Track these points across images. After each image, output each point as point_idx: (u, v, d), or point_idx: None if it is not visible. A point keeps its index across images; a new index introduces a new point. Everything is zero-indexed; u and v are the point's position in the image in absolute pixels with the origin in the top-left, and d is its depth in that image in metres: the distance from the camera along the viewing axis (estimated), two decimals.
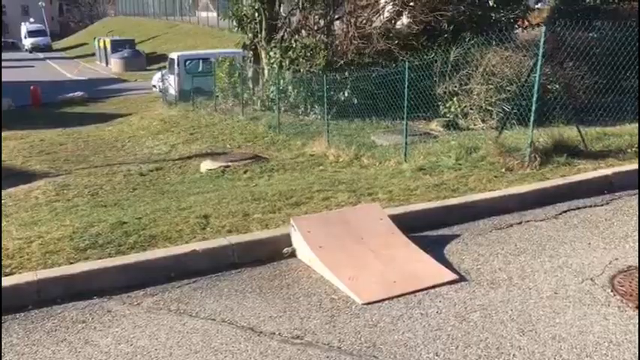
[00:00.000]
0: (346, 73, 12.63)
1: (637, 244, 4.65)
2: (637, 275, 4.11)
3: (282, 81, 13.90)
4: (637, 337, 3.37)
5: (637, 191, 5.84)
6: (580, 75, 9.85)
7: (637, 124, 7.70)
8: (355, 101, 12.36)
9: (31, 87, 26.58)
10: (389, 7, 14.39)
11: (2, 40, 69.26)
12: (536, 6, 20.84)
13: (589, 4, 15.91)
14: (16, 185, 10.06)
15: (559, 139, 7.13)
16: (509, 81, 10.28)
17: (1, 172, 9.62)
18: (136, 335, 3.59)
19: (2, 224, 7.00)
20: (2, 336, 3.62)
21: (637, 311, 3.64)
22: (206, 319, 3.76)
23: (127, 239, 4.78)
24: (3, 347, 3.50)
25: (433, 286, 4.07)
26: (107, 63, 43.21)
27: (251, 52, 16.71)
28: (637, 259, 4.38)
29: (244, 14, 16.44)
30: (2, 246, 4.73)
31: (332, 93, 12.06)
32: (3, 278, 4.10)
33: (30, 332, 3.66)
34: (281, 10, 16.15)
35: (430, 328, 3.56)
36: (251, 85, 16.29)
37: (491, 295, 3.94)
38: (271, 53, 15.13)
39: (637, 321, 3.54)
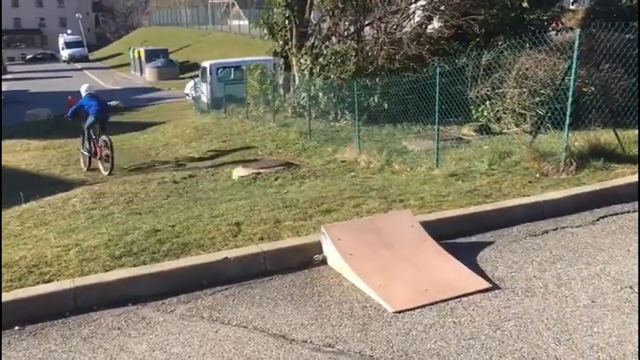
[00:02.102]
0: (377, 79, 12.60)
1: None
2: None
3: (312, 87, 13.95)
4: None
5: None
6: (616, 77, 9.62)
7: None
8: (386, 107, 12.31)
9: (69, 97, 27.27)
10: (419, 12, 14.35)
11: (41, 52, 71.50)
12: (571, 7, 20.46)
13: (625, 4, 15.54)
14: (54, 193, 10.31)
15: (595, 142, 6.98)
16: (543, 84, 10.12)
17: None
18: (170, 342, 3.64)
19: (40, 232, 7.19)
20: (41, 342, 3.71)
21: None
22: (238, 327, 3.78)
23: (161, 247, 4.85)
24: (42, 352, 3.58)
25: (466, 294, 4.01)
26: (142, 72, 44.10)
27: (282, 60, 16.83)
28: None
29: (275, 22, 16.58)
30: (41, 253, 4.86)
31: (362, 99, 12.04)
32: (42, 285, 4.21)
33: (67, 339, 3.74)
34: (311, 17, 16.23)
35: (463, 337, 3.51)
36: (282, 92, 16.39)
37: (526, 304, 3.87)
38: (302, 60, 15.22)
39: None
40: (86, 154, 13.00)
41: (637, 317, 3.61)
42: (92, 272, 4.41)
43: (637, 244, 4.71)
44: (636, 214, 5.42)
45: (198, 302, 4.15)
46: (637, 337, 3.40)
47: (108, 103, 16.68)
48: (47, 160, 15.15)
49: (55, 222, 8.02)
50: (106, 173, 12.19)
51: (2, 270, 4.46)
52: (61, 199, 9.76)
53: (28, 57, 70.37)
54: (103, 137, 12.41)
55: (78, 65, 58.14)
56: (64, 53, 65.26)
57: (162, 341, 3.66)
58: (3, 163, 15.87)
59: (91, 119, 12.67)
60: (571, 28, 13.49)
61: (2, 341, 3.72)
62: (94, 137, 12.65)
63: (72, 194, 10.23)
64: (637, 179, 6.02)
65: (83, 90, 13.26)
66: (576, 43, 6.62)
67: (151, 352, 3.54)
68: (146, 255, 4.70)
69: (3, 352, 3.61)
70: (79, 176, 12.51)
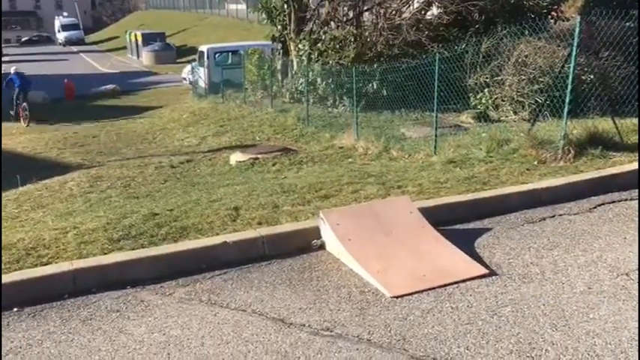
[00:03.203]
0: (375, 65, 12.55)
1: None
2: None
3: (310, 73, 13.90)
4: None
5: None
6: (616, 65, 9.60)
7: None
8: (384, 93, 12.28)
9: (65, 80, 27.13)
10: None
11: (36, 34, 70.92)
12: None
13: None
14: (51, 177, 10.31)
15: (593, 131, 6.99)
16: (542, 72, 10.10)
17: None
18: (169, 325, 3.66)
19: (38, 215, 7.19)
20: (40, 323, 3.72)
21: None
22: (237, 310, 3.80)
23: (159, 230, 4.86)
24: (41, 334, 3.60)
25: (463, 280, 4.04)
26: (138, 56, 43.81)
27: (280, 45, 16.75)
28: None
29: (273, 6, 16.49)
30: (39, 235, 4.86)
31: (361, 85, 12.00)
32: (40, 267, 4.21)
33: (66, 321, 3.75)
34: (310, 2, 16.13)
35: (461, 322, 3.53)
36: (280, 78, 16.33)
37: (523, 290, 3.90)
38: (300, 45, 15.14)
39: None
40: (12, 113, 20.10)
41: (633, 304, 3.64)
42: (90, 255, 4.41)
43: (633, 232, 4.74)
44: (633, 202, 5.44)
45: (197, 286, 4.17)
46: (632, 323, 3.43)
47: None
48: (44, 143, 15.12)
49: (52, 205, 8.02)
50: (25, 125, 19.30)
51: (1, 252, 4.46)
52: (58, 183, 9.76)
53: (23, 39, 69.78)
54: (24, 104, 19.78)
55: (74, 48, 57.71)
56: (60, 36, 64.72)
57: (161, 324, 3.67)
58: None
59: (17, 90, 20.08)
60: (567, 19, 13.44)
61: (2, 322, 3.72)
62: (18, 102, 19.98)
63: (69, 177, 10.23)
64: (635, 167, 6.04)
65: (12, 70, 20.86)
66: (576, 30, 6.60)
67: (150, 334, 3.56)
68: (144, 238, 4.70)
69: (4, 333, 3.62)
70: (76, 160, 12.49)
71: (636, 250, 4.41)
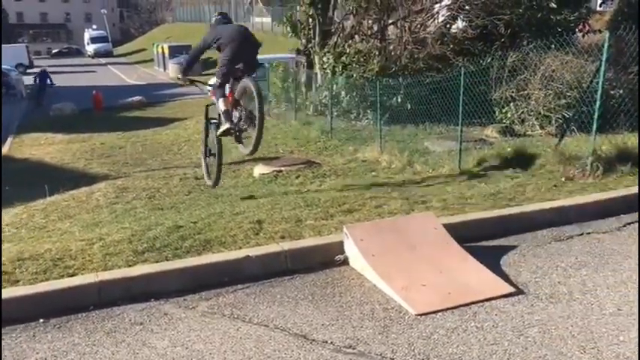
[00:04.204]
0: (400, 79, 12.54)
1: None
2: None
3: (335, 86, 13.94)
4: None
5: None
6: None
7: None
8: (409, 107, 12.25)
9: (93, 92, 27.63)
10: (444, 12, 14.24)
11: (66, 46, 72.49)
12: (599, 8, 20.13)
13: None
14: (78, 187, 10.45)
15: (623, 147, 6.86)
16: (570, 86, 9.97)
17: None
18: (192, 339, 3.66)
19: (65, 225, 7.29)
20: (65, 335, 3.75)
21: None
22: (259, 325, 3.79)
23: (183, 243, 4.88)
24: (66, 346, 3.63)
25: (489, 299, 3.97)
26: (165, 68, 44.42)
27: (304, 58, 16.84)
28: None
29: (298, 20, 16.60)
30: (66, 246, 4.92)
31: (385, 98, 11.99)
32: (67, 278, 4.26)
33: (91, 332, 3.78)
34: (335, 15, 16.22)
35: (486, 342, 3.47)
36: (304, 90, 16.41)
37: (550, 310, 3.82)
38: (324, 58, 15.21)
39: None
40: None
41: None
42: (115, 267, 4.45)
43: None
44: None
45: (220, 299, 4.17)
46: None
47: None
48: (71, 154, 15.38)
49: (79, 215, 8.12)
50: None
51: (28, 263, 4.53)
52: (84, 193, 9.89)
53: (53, 51, 71.46)
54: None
55: (102, 60, 58.83)
56: (89, 48, 66.10)
57: (184, 337, 3.68)
58: (28, 155, 16.15)
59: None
60: (599, 31, 13.28)
61: (27, 334, 3.77)
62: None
63: (95, 188, 10.36)
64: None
65: (42, 70, 25.86)
66: (606, 45, 6.51)
67: (173, 347, 3.57)
68: (169, 251, 4.73)
69: (29, 344, 3.66)
70: (103, 170, 12.67)
71: None
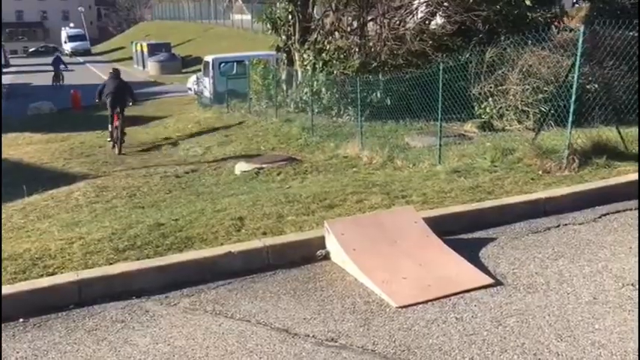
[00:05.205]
0: (380, 75, 12.59)
1: None
2: None
3: (315, 83, 13.95)
4: None
5: None
6: (620, 74, 9.60)
7: None
8: (389, 103, 12.31)
9: (72, 91, 27.28)
10: (422, 8, 14.32)
11: (43, 45, 71.46)
12: (575, 5, 20.41)
13: (629, 1, 15.49)
14: (57, 187, 10.35)
15: (598, 140, 6.98)
16: (547, 81, 10.11)
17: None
18: (174, 335, 3.66)
19: (44, 225, 7.22)
20: (45, 334, 3.73)
21: None
22: (241, 321, 3.81)
23: (164, 241, 4.87)
24: (46, 344, 3.61)
25: (468, 290, 4.03)
26: (144, 66, 44.00)
27: (285, 55, 16.82)
28: None
29: (278, 17, 16.56)
30: (45, 246, 4.88)
31: (365, 94, 12.04)
32: (46, 277, 4.23)
33: (71, 331, 3.76)
34: (314, 12, 16.21)
35: (465, 333, 3.53)
36: (284, 87, 16.39)
37: (528, 300, 3.89)
38: (305, 55, 15.20)
39: None
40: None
41: (638, 314, 3.62)
42: (96, 265, 4.43)
43: (638, 242, 4.72)
44: (638, 211, 5.42)
45: (202, 296, 4.17)
46: (638, 334, 3.41)
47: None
48: (50, 154, 15.20)
49: (58, 215, 8.05)
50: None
51: (6, 263, 4.49)
52: (64, 193, 9.80)
53: (30, 50, 70.34)
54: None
55: (80, 59, 58.08)
56: (67, 47, 65.15)
57: (166, 334, 3.68)
58: (6, 156, 15.91)
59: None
60: (571, 30, 13.45)
61: (7, 334, 3.74)
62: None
63: (75, 188, 10.27)
64: (638, 177, 6.02)
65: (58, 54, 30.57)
66: (580, 40, 6.61)
67: (155, 344, 3.57)
68: (150, 249, 4.72)
69: (9, 344, 3.63)
70: (82, 170, 12.55)
71: None
